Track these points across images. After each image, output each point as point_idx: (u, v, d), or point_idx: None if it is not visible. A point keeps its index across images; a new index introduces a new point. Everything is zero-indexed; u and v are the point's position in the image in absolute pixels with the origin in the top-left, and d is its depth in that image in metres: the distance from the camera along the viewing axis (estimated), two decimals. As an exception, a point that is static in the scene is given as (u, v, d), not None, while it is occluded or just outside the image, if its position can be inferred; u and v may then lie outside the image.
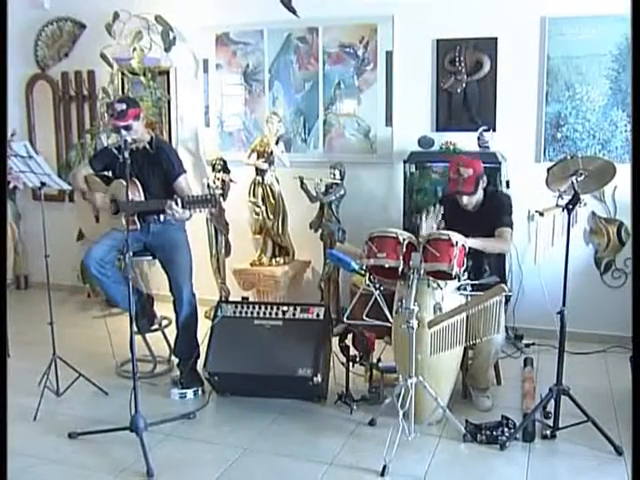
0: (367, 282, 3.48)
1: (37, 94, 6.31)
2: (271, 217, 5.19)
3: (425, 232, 3.59)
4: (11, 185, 5.68)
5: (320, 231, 5.14)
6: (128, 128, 3.81)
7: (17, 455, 3.30)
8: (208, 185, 5.26)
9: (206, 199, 3.56)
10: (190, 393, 4.02)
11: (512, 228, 3.82)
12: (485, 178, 3.89)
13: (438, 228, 3.69)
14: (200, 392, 4.04)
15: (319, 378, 3.69)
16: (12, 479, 3.07)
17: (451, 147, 4.81)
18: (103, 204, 4.14)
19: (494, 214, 3.81)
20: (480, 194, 3.89)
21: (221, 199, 5.25)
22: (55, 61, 6.19)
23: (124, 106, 3.87)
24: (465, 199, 3.86)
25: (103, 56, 5.66)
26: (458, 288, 3.49)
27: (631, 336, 3.45)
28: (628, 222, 4.68)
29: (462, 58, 4.89)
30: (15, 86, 6.29)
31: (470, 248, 3.46)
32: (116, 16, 5.60)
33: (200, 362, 4.00)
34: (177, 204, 3.63)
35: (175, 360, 4.24)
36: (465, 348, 3.60)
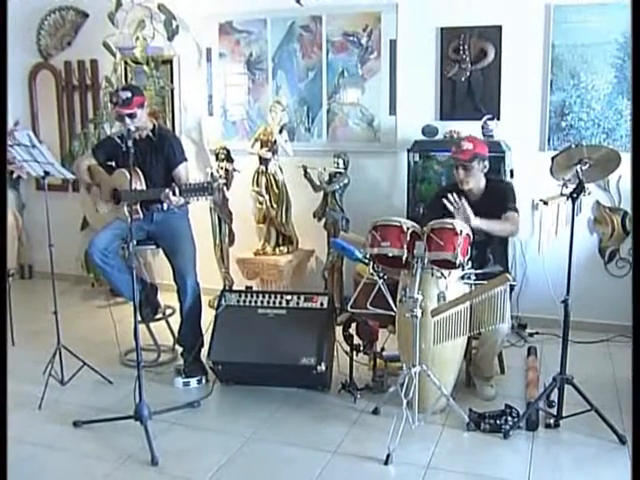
0: (371, 271, 3.48)
1: (40, 83, 6.30)
2: (275, 206, 5.19)
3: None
4: (14, 175, 5.70)
5: (324, 220, 5.14)
6: (133, 116, 3.81)
7: (22, 443, 3.32)
8: (212, 174, 5.24)
9: (204, 187, 3.55)
10: (194, 382, 4.03)
11: (518, 214, 3.81)
12: (487, 163, 3.84)
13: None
14: (204, 381, 4.04)
15: (323, 367, 3.69)
16: (17, 467, 3.09)
17: (455, 136, 4.79)
18: (104, 202, 4.13)
19: (498, 202, 3.80)
20: (481, 181, 3.87)
21: (225, 188, 5.25)
22: (58, 50, 6.17)
23: (129, 94, 3.85)
24: (461, 173, 3.80)
25: (106, 45, 5.64)
26: (462, 277, 3.48)
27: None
28: (633, 211, 4.67)
29: (466, 46, 4.87)
30: (18, 75, 6.28)
31: (475, 237, 3.45)
32: (119, 5, 5.58)
33: (204, 351, 4.00)
34: (174, 193, 3.62)
35: (179, 349, 4.24)
36: (469, 337, 3.60)
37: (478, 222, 3.54)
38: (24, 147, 3.84)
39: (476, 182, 3.85)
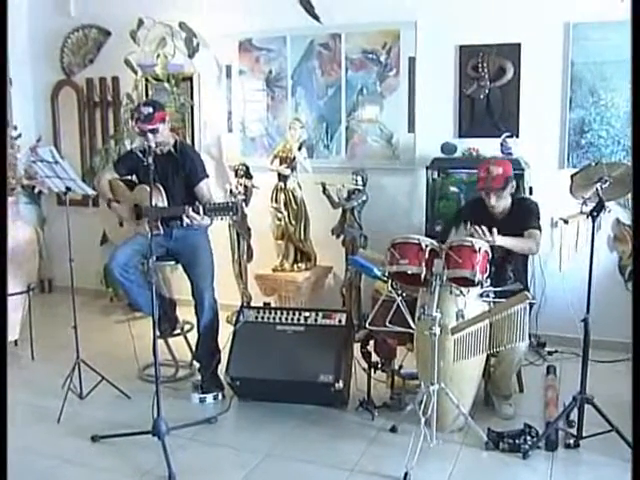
0: (389, 288, 3.48)
1: (62, 100, 6.38)
2: (293, 223, 5.20)
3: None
4: (36, 190, 5.76)
5: (342, 237, 5.14)
6: (155, 131, 3.80)
7: (41, 456, 3.35)
8: (230, 191, 5.28)
9: (227, 207, 3.53)
10: (210, 397, 4.03)
11: (541, 232, 3.81)
12: (514, 183, 3.87)
13: None
14: (220, 396, 4.05)
15: (341, 384, 3.68)
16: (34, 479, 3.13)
17: (474, 153, 4.79)
18: (126, 215, 4.17)
19: (521, 220, 3.80)
20: (508, 200, 3.87)
21: (243, 204, 5.27)
22: (80, 67, 6.25)
23: (151, 109, 3.87)
24: (493, 199, 3.80)
25: (127, 62, 5.72)
26: (481, 295, 3.47)
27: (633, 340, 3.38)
28: (653, 229, 4.62)
29: (485, 64, 4.87)
30: (41, 92, 6.39)
31: (494, 254, 3.44)
32: (140, 23, 5.65)
33: (222, 367, 4.00)
34: (198, 211, 3.62)
35: (197, 365, 4.25)
36: (487, 355, 3.58)
37: (501, 241, 3.53)
38: (47, 163, 3.89)
39: (504, 203, 3.86)
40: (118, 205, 4.22)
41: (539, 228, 3.81)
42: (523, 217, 3.81)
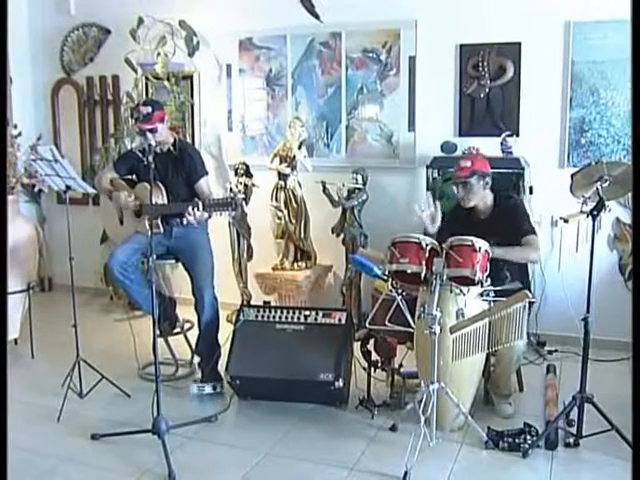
0: (389, 287, 3.48)
1: (63, 98, 6.38)
2: (293, 221, 5.20)
3: (430, 225, 3.76)
4: (36, 188, 5.76)
5: (342, 236, 5.14)
6: (153, 131, 3.82)
7: (40, 455, 3.35)
8: (231, 189, 5.27)
9: (227, 202, 3.56)
10: (209, 387, 4.04)
11: (536, 234, 3.80)
12: (488, 180, 3.82)
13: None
14: (219, 387, 4.05)
15: (340, 383, 3.68)
16: (35, 479, 3.12)
17: (474, 152, 4.78)
18: (128, 203, 4.15)
19: (509, 222, 3.77)
20: (488, 199, 3.86)
21: (243, 203, 5.27)
22: (80, 66, 6.26)
23: (150, 109, 3.89)
24: (461, 192, 3.81)
25: (127, 61, 5.71)
26: (481, 294, 3.47)
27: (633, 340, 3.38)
28: (653, 228, 4.62)
29: (485, 63, 4.87)
30: (41, 90, 6.40)
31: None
32: (140, 21, 5.65)
33: (222, 366, 4.00)
34: (198, 208, 3.63)
35: (196, 361, 4.26)
36: (487, 354, 3.58)
37: (497, 253, 3.50)
38: (47, 161, 3.89)
39: (480, 199, 3.85)
40: (119, 194, 4.19)
41: (533, 231, 3.79)
42: (510, 219, 3.78)
